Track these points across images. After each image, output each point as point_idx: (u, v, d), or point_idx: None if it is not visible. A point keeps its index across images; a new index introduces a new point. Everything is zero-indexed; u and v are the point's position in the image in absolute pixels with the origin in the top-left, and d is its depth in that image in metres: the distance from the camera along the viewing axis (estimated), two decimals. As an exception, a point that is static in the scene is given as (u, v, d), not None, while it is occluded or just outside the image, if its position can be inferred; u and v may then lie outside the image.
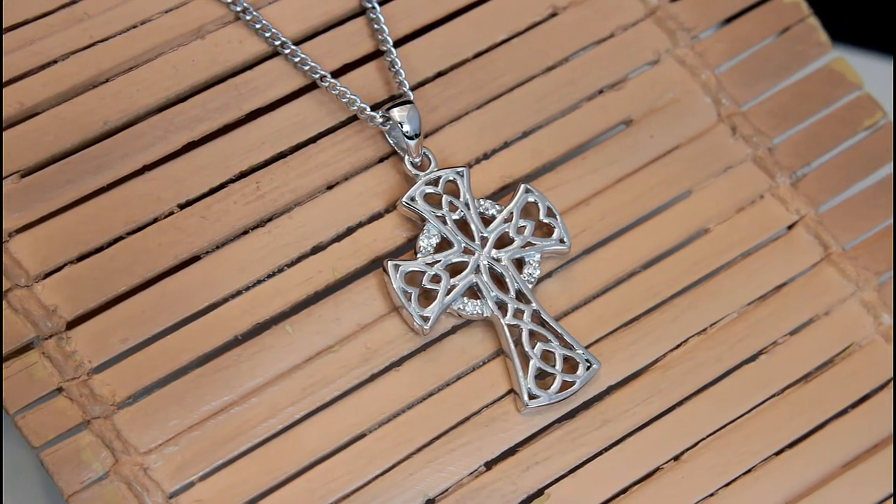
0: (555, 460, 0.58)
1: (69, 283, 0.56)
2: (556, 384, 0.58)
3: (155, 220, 0.57)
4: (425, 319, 0.57)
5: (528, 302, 0.59)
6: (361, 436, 0.57)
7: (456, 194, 0.59)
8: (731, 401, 0.60)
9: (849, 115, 0.65)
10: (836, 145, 0.65)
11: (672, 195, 0.62)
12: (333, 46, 0.61)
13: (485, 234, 0.59)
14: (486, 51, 0.63)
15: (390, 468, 0.57)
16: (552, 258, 0.60)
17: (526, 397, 0.58)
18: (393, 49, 0.61)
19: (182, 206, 0.58)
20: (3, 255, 0.56)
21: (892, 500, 0.61)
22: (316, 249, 0.59)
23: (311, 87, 0.60)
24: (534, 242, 0.59)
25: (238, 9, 0.60)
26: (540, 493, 0.58)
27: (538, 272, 0.59)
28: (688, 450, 0.59)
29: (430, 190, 0.59)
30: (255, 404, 0.56)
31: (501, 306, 0.58)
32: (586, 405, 0.59)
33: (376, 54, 0.62)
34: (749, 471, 0.60)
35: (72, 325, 0.56)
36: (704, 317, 0.61)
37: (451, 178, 0.59)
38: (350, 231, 0.59)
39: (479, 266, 0.59)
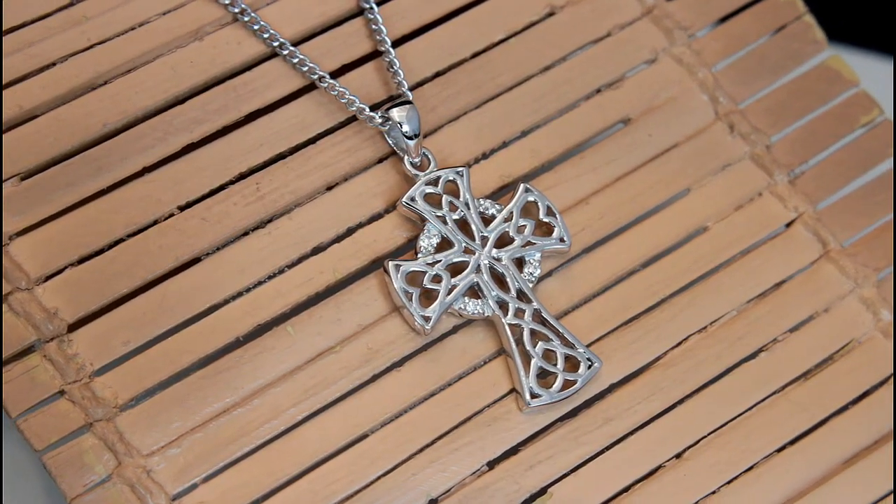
0: (557, 459, 0.58)
1: (70, 285, 0.56)
2: (558, 383, 0.58)
3: (155, 222, 0.57)
4: (426, 319, 0.57)
5: (528, 301, 0.59)
6: (364, 436, 0.57)
7: (456, 194, 0.59)
8: (731, 398, 0.60)
9: (845, 112, 0.65)
10: (834, 143, 0.65)
11: (671, 193, 0.63)
12: (332, 47, 0.61)
13: (485, 234, 0.59)
14: (484, 50, 0.63)
15: (393, 469, 0.57)
16: (552, 257, 0.60)
17: (528, 396, 0.58)
18: (391, 49, 0.61)
19: (182, 208, 0.58)
20: (3, 258, 0.55)
21: (892, 496, 0.61)
22: (316, 250, 0.59)
23: (310, 87, 0.60)
24: (534, 241, 0.59)
25: (236, 10, 0.60)
26: (543, 491, 0.58)
27: (538, 271, 0.59)
28: (689, 448, 0.59)
29: (430, 190, 0.59)
30: (257, 406, 0.56)
31: (502, 306, 0.58)
32: (588, 404, 0.59)
33: (374, 55, 0.62)
34: (750, 468, 0.60)
35: (73, 327, 0.56)
36: (704, 315, 0.61)
37: (450, 178, 0.59)
38: (350, 232, 0.59)
39: (479, 266, 0.59)
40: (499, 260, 0.59)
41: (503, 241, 0.59)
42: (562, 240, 0.60)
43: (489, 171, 0.61)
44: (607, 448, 0.59)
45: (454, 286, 0.58)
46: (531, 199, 0.60)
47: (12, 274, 0.55)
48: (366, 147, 0.60)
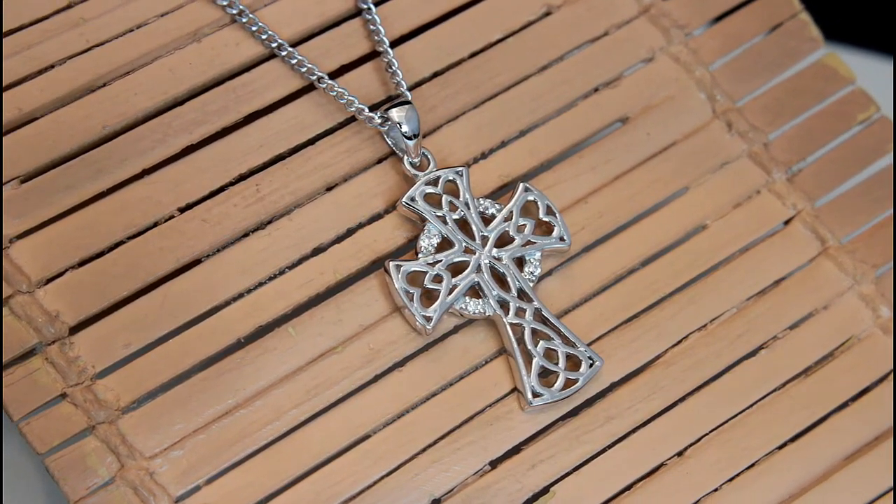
0: (559, 458, 0.58)
1: (71, 288, 0.56)
2: (560, 382, 0.58)
3: (155, 224, 0.57)
4: (428, 319, 0.57)
5: (529, 300, 0.59)
6: (366, 437, 0.57)
7: (455, 194, 0.59)
8: (732, 396, 0.60)
9: (842, 109, 0.66)
10: (831, 140, 0.65)
11: (669, 192, 0.63)
12: (330, 48, 0.61)
13: (485, 234, 0.59)
14: (482, 50, 0.63)
15: (395, 469, 0.57)
16: (552, 256, 0.60)
17: (530, 395, 0.58)
18: (389, 49, 0.61)
19: (182, 210, 0.58)
20: (4, 261, 0.55)
21: (892, 493, 0.61)
22: (317, 251, 0.59)
23: (309, 88, 0.60)
24: (534, 241, 0.59)
25: (234, 11, 0.60)
26: (545, 490, 0.58)
27: (539, 270, 0.59)
28: (691, 446, 0.60)
29: (429, 190, 0.59)
30: (260, 407, 0.56)
31: (503, 305, 0.58)
32: (589, 402, 0.59)
33: (373, 55, 0.62)
34: (752, 465, 0.60)
35: (74, 330, 0.56)
36: (704, 313, 0.61)
37: (450, 178, 0.59)
38: (350, 232, 0.59)
39: (480, 265, 0.59)
40: (499, 259, 0.59)
41: (503, 241, 0.59)
42: (562, 239, 0.60)
43: (488, 170, 0.61)
44: (609, 447, 0.59)
45: (455, 286, 0.58)
46: (531, 198, 0.60)
47: (13, 277, 0.55)
48: (365, 147, 0.60)
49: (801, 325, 0.62)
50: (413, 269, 0.58)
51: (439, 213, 0.59)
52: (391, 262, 0.58)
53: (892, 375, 0.62)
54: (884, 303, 0.63)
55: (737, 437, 0.60)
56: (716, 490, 0.59)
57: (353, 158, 0.60)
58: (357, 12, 0.62)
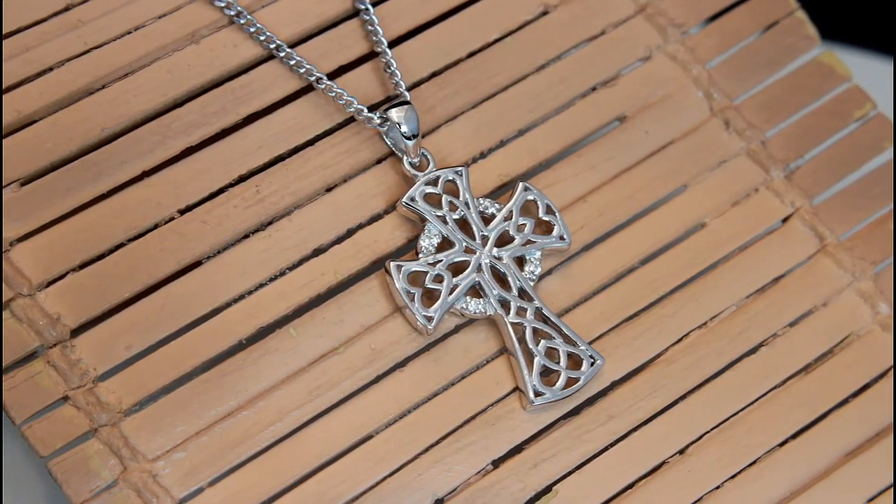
0: (561, 457, 0.58)
1: (72, 290, 0.56)
2: (561, 381, 0.58)
3: (155, 226, 0.57)
4: (429, 319, 0.57)
5: (530, 299, 0.59)
6: (368, 437, 0.57)
7: (455, 194, 0.59)
8: (733, 393, 0.60)
9: (839, 107, 0.66)
10: (828, 137, 0.65)
11: (668, 190, 0.63)
12: (328, 48, 0.61)
13: (485, 233, 0.59)
14: (480, 50, 0.63)
15: (398, 469, 0.57)
16: (552, 255, 0.60)
17: (531, 395, 0.58)
18: (388, 50, 0.61)
19: (182, 212, 0.58)
20: (4, 264, 0.55)
21: (892, 490, 0.61)
22: (317, 252, 0.58)
23: (308, 89, 0.60)
24: (534, 240, 0.59)
25: (232, 13, 0.60)
26: (548, 489, 0.58)
27: (539, 269, 0.59)
28: (692, 443, 0.60)
29: (429, 190, 0.59)
30: (262, 408, 0.56)
31: (504, 304, 0.58)
32: (590, 401, 0.59)
33: (371, 55, 0.62)
34: (754, 463, 0.60)
35: (76, 333, 0.56)
36: (704, 310, 0.61)
37: (450, 178, 0.59)
38: (350, 233, 0.59)
39: (480, 265, 0.59)
40: (500, 259, 0.59)
41: (503, 240, 0.59)
42: (562, 238, 0.60)
43: (487, 170, 0.61)
44: (611, 445, 0.59)
45: (456, 286, 0.58)
46: (530, 197, 0.60)
47: (14, 280, 0.55)
48: (364, 148, 0.60)
49: (800, 322, 0.62)
50: (414, 269, 0.58)
51: (439, 213, 0.59)
52: (392, 263, 0.58)
53: (891, 372, 0.62)
54: (882, 299, 0.63)
55: (738, 434, 0.60)
56: (718, 488, 0.59)
57: (352, 159, 0.60)
58: (355, 13, 0.62)
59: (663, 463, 0.59)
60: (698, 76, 0.65)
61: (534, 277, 0.59)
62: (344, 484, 0.56)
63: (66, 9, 0.59)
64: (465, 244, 0.59)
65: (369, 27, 0.61)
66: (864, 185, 0.65)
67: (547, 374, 0.58)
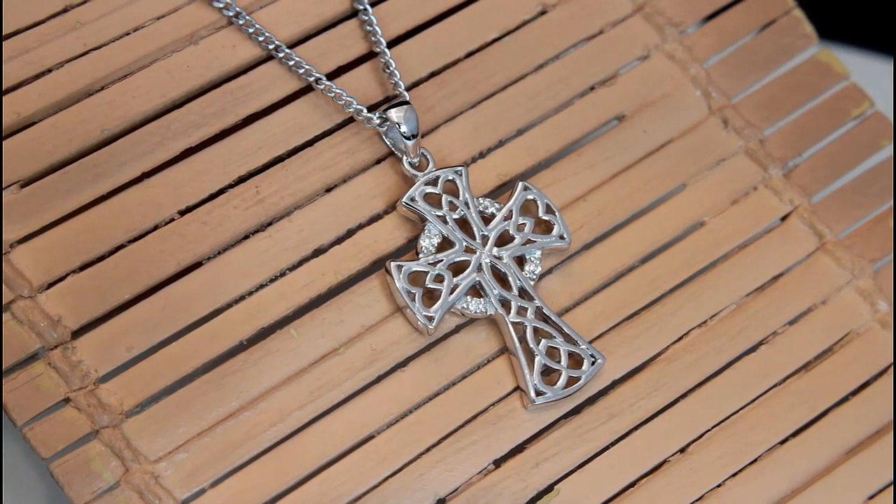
0: (563, 456, 0.58)
1: (72, 292, 0.56)
2: (562, 380, 0.58)
3: (156, 228, 0.57)
4: (430, 319, 0.57)
5: (531, 299, 0.59)
6: (370, 437, 0.57)
7: (455, 193, 0.59)
8: (733, 392, 0.61)
9: (837, 105, 0.66)
10: (826, 135, 0.65)
11: (667, 189, 0.63)
12: (327, 49, 0.61)
13: (485, 233, 0.59)
14: (478, 50, 0.63)
15: (400, 469, 0.57)
16: (552, 254, 0.60)
17: (533, 394, 0.58)
18: (386, 50, 0.61)
19: (182, 213, 0.58)
20: (4, 266, 0.55)
21: (892, 487, 0.61)
22: (317, 252, 0.58)
23: (307, 90, 0.60)
24: (534, 239, 0.59)
25: (230, 13, 0.60)
26: (550, 489, 0.58)
27: (539, 269, 0.59)
28: (693, 442, 0.60)
29: (429, 190, 0.59)
30: (263, 409, 0.56)
31: (505, 304, 0.58)
32: (591, 400, 0.59)
33: (369, 56, 0.62)
34: (755, 461, 0.60)
35: (77, 334, 0.55)
36: (704, 309, 0.61)
37: (449, 178, 0.59)
38: (350, 233, 0.59)
39: (481, 265, 0.59)
40: (500, 258, 0.59)
41: (504, 240, 0.59)
42: (562, 237, 0.60)
43: (487, 169, 0.61)
44: (612, 444, 0.59)
45: (456, 285, 0.58)
46: (530, 196, 0.60)
47: (15, 282, 0.55)
48: (364, 148, 0.60)
49: (800, 320, 0.62)
50: (414, 269, 0.58)
51: (439, 213, 0.59)
52: (392, 263, 0.58)
53: (891, 369, 0.62)
54: (882, 297, 0.63)
55: (739, 432, 0.60)
56: (719, 486, 0.59)
57: (352, 159, 0.60)
58: (353, 13, 0.62)
59: (664, 461, 0.59)
60: (696, 75, 0.65)
61: (534, 277, 0.59)
62: (346, 484, 0.56)
63: (65, 10, 0.59)
64: (465, 244, 0.59)
65: (368, 27, 0.61)
66: (862, 182, 0.65)
67: (548, 374, 0.58)
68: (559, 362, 0.58)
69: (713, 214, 0.63)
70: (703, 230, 0.62)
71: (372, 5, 0.62)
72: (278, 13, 0.61)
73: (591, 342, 0.60)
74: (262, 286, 0.58)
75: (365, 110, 0.59)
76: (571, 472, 0.58)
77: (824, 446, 0.61)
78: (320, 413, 0.57)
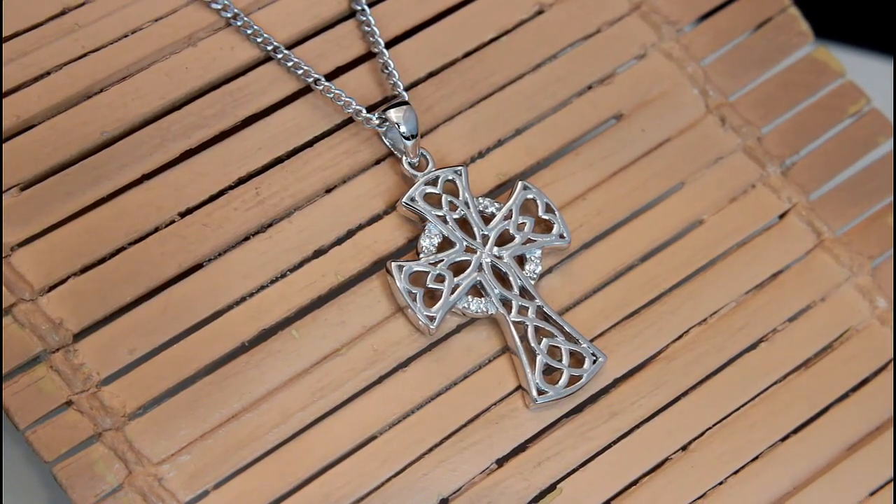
0: (565, 455, 0.58)
1: (74, 295, 0.55)
2: (564, 379, 0.58)
3: (156, 230, 0.57)
4: (431, 319, 0.57)
5: (531, 298, 0.59)
6: (372, 438, 0.57)
7: (455, 193, 0.59)
8: (734, 389, 0.61)
9: (834, 102, 0.66)
10: (823, 133, 0.65)
11: (666, 187, 0.63)
12: (325, 50, 0.61)
13: (486, 232, 0.59)
14: (476, 50, 0.63)
15: (403, 469, 0.57)
16: (552, 254, 0.60)
17: (535, 393, 0.58)
18: (385, 50, 0.61)
19: (183, 215, 0.58)
20: (4, 270, 0.55)
21: (893, 484, 0.61)
22: (318, 253, 0.58)
23: (306, 90, 0.60)
24: (534, 239, 0.59)
25: (228, 15, 0.60)
26: (552, 488, 0.58)
27: (540, 268, 0.59)
28: (695, 439, 0.60)
29: (429, 190, 0.59)
30: (266, 410, 0.56)
31: (506, 303, 0.58)
32: (593, 399, 0.59)
33: (368, 56, 0.62)
34: (756, 458, 0.60)
35: (78, 337, 0.55)
36: (704, 307, 0.61)
37: (449, 178, 0.59)
38: (351, 234, 0.59)
39: (481, 264, 0.59)
40: (500, 258, 0.59)
41: (504, 239, 0.59)
42: (561, 236, 0.60)
43: (485, 169, 0.61)
44: (614, 442, 0.59)
45: (457, 285, 0.58)
46: (530, 196, 0.60)
47: (16, 285, 0.55)
48: (363, 149, 0.60)
49: (799, 317, 0.62)
50: (415, 269, 0.58)
51: (439, 213, 0.59)
52: (393, 263, 0.58)
53: (891, 366, 0.62)
54: (880, 294, 0.63)
55: (740, 430, 0.60)
56: (721, 483, 0.59)
57: (351, 160, 0.60)
58: (351, 13, 0.62)
59: (666, 459, 0.59)
60: (693, 73, 0.65)
61: (534, 276, 0.59)
62: (349, 485, 0.56)
63: (63, 12, 0.59)
64: (465, 244, 0.59)
65: (366, 28, 0.61)
66: (860, 180, 0.65)
67: (549, 373, 0.58)
68: (560, 361, 0.58)
69: (712, 212, 0.63)
70: (702, 228, 0.63)
71: (370, 6, 0.62)
72: (276, 14, 0.61)
73: (591, 341, 0.60)
74: (263, 287, 0.57)
75: (364, 111, 0.59)
76: (574, 470, 0.58)
77: (825, 443, 0.61)
78: (323, 414, 0.57)
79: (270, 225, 0.58)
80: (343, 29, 0.62)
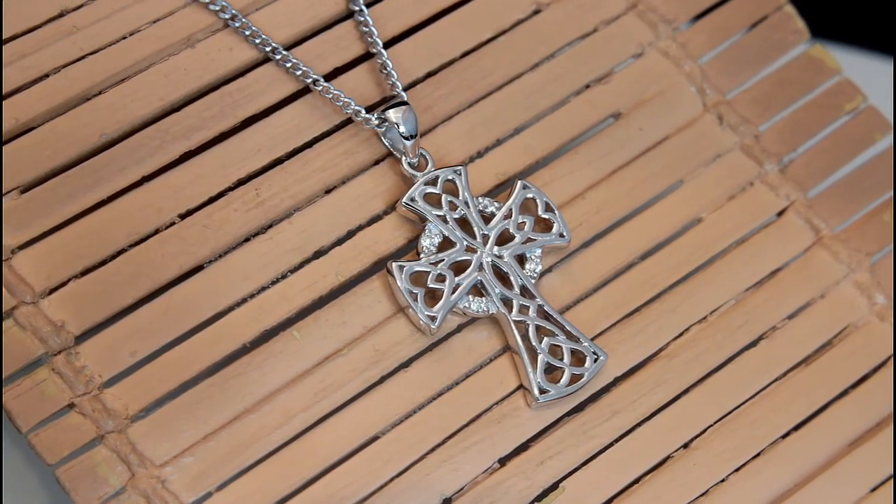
0: (567, 454, 0.58)
1: (75, 297, 0.55)
2: (566, 377, 0.58)
3: (157, 232, 0.57)
4: (432, 319, 0.57)
5: (532, 297, 0.59)
6: (375, 438, 0.57)
7: (455, 193, 0.59)
8: (735, 387, 0.61)
9: (830, 100, 0.66)
10: (820, 130, 0.66)
11: (664, 186, 0.63)
12: (324, 50, 0.61)
13: (486, 232, 0.59)
14: (474, 49, 0.63)
15: (406, 469, 0.57)
16: (552, 253, 0.60)
17: (537, 392, 0.58)
18: (383, 51, 0.61)
19: (183, 216, 0.58)
20: (5, 272, 0.55)
21: (893, 480, 0.61)
22: (318, 254, 0.58)
23: (304, 91, 0.60)
24: (534, 238, 0.59)
25: (226, 16, 0.60)
26: (555, 486, 0.58)
27: (540, 267, 0.59)
28: (696, 437, 0.60)
29: (429, 189, 0.59)
30: (268, 411, 0.56)
31: (507, 303, 0.58)
32: (594, 397, 0.59)
33: (366, 56, 0.62)
34: (757, 455, 0.60)
35: (80, 339, 0.55)
36: (704, 305, 0.62)
37: (449, 177, 0.59)
38: (351, 234, 0.59)
39: (482, 264, 0.59)
40: (500, 257, 0.59)
41: (504, 239, 0.59)
42: (561, 235, 0.60)
43: (484, 169, 0.61)
44: (616, 441, 0.59)
45: (458, 285, 0.58)
46: (529, 195, 0.60)
47: (17, 288, 0.55)
48: (362, 149, 0.60)
49: (799, 314, 0.62)
50: (416, 269, 0.58)
51: (440, 213, 0.59)
52: (394, 263, 0.58)
53: (891, 361, 0.63)
54: (879, 290, 0.63)
55: (741, 427, 0.60)
56: (723, 481, 0.59)
57: (350, 160, 0.60)
58: (349, 14, 0.62)
59: (668, 457, 0.59)
60: (691, 72, 0.65)
61: (535, 275, 0.59)
62: (352, 485, 0.56)
63: (61, 15, 0.59)
64: (465, 243, 0.59)
65: (364, 28, 0.61)
66: (857, 177, 0.65)
67: (551, 371, 0.59)
68: (562, 360, 0.58)
69: (710, 210, 0.63)
70: (701, 226, 0.63)
71: (368, 6, 0.62)
72: (274, 15, 0.61)
73: (592, 339, 0.60)
74: (263, 288, 0.57)
75: (363, 111, 0.59)
76: (576, 469, 0.58)
77: (826, 439, 0.61)
78: (325, 414, 0.57)
79: (271, 226, 0.58)
80: (341, 29, 0.62)
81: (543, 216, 0.60)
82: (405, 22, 0.63)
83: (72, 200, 0.56)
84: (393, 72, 0.61)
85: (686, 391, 0.60)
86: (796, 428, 0.61)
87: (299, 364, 0.57)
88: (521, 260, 0.59)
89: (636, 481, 0.59)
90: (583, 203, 0.62)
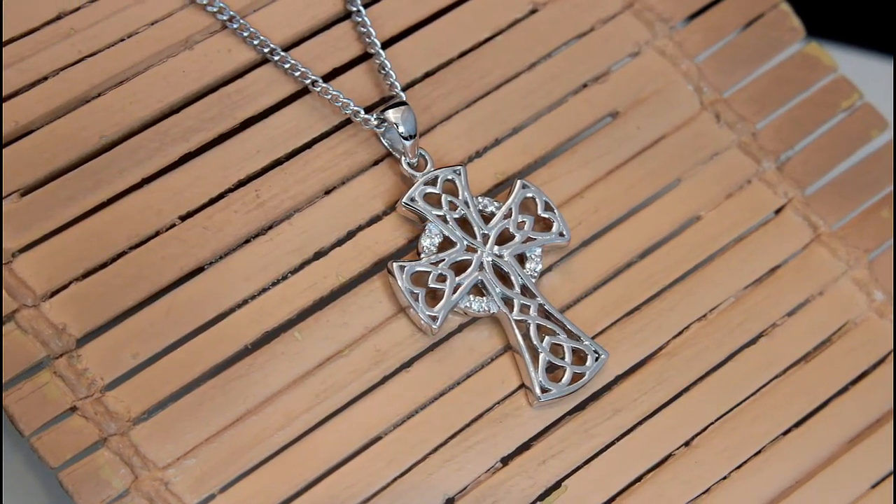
0: (569, 452, 0.58)
1: (76, 300, 0.55)
2: (567, 376, 0.58)
3: (157, 234, 0.57)
4: (433, 319, 0.57)
5: (533, 296, 0.59)
6: (377, 438, 0.57)
7: (454, 193, 0.59)
8: (735, 384, 0.61)
9: (826, 98, 0.66)
10: (817, 128, 0.66)
11: (662, 184, 0.63)
12: (322, 51, 0.61)
13: (486, 231, 0.59)
14: (471, 49, 0.63)
15: (408, 469, 0.57)
16: (551, 252, 0.60)
17: (538, 391, 0.58)
18: (381, 51, 0.61)
19: (183, 218, 0.57)
20: (6, 276, 0.55)
21: (893, 477, 0.61)
22: (318, 255, 0.58)
23: (303, 92, 0.60)
24: (534, 237, 0.59)
25: (224, 17, 0.60)
26: (557, 485, 0.58)
27: (540, 266, 0.59)
28: (697, 435, 0.60)
29: (429, 189, 0.59)
30: (270, 413, 0.56)
31: (507, 302, 0.58)
32: (595, 396, 0.59)
33: (364, 57, 0.62)
34: (758, 452, 0.60)
35: (81, 342, 0.55)
36: (703, 303, 0.62)
37: (448, 177, 0.59)
38: (351, 235, 0.59)
39: (482, 263, 0.59)
40: (501, 257, 0.59)
41: (504, 238, 0.59)
42: (561, 234, 0.60)
43: (483, 168, 0.61)
44: (618, 439, 0.59)
45: (459, 285, 0.58)
46: (529, 194, 0.60)
47: (18, 291, 0.55)
48: (361, 150, 0.60)
49: (798, 311, 0.63)
50: (417, 269, 0.58)
51: (440, 213, 0.59)
52: (395, 263, 0.58)
53: (890, 358, 0.63)
54: (877, 287, 0.64)
55: (742, 424, 0.60)
56: (725, 478, 0.59)
57: (350, 161, 0.60)
58: (347, 15, 0.62)
59: (670, 455, 0.59)
60: (687, 70, 0.65)
61: (535, 274, 0.59)
62: (354, 486, 0.56)
63: (58, 17, 0.59)
64: (466, 243, 0.59)
65: (362, 29, 0.61)
66: (854, 174, 0.65)
67: (552, 370, 0.59)
68: (563, 359, 0.58)
69: (709, 209, 0.63)
70: (699, 224, 0.63)
71: (365, 6, 0.62)
72: (272, 16, 0.61)
73: (593, 338, 0.60)
74: (264, 290, 0.57)
75: (362, 112, 0.59)
76: (578, 468, 0.58)
77: (826, 436, 0.61)
78: (327, 415, 0.57)
79: (271, 227, 0.58)
80: (339, 30, 0.62)
81: (543, 215, 0.60)
82: (403, 22, 0.63)
83: (72, 203, 0.56)
84: (391, 72, 0.61)
85: (687, 389, 0.60)
86: (797, 425, 0.61)
87: (301, 365, 0.57)
88: (521, 259, 0.59)
89: (638, 479, 0.59)
90: (581, 202, 0.62)
